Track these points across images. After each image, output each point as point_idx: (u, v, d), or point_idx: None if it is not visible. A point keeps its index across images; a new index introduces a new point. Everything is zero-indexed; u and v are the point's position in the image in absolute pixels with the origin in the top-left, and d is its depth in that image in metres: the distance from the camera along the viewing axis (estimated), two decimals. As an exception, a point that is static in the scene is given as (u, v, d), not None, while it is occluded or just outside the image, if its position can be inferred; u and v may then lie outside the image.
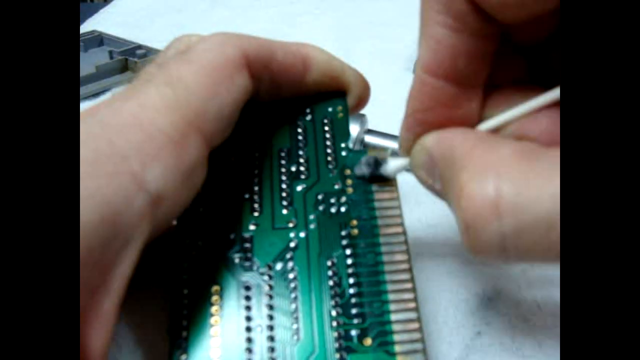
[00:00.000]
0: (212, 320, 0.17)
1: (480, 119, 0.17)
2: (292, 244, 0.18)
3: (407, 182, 0.20)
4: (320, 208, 0.19)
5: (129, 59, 0.40)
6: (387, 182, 0.19)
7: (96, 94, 0.38)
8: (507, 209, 0.13)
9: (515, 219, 0.13)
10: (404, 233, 0.18)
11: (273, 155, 0.20)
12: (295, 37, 0.21)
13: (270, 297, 0.17)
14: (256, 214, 0.19)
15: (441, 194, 0.16)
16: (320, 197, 0.19)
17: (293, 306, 0.17)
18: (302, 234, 0.18)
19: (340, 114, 0.21)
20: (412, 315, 0.17)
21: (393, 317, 0.17)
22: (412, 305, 0.17)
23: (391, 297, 0.17)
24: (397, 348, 0.16)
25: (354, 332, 0.17)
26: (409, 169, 0.18)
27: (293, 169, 0.20)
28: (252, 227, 0.19)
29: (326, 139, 0.21)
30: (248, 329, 0.17)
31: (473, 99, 0.17)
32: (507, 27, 0.16)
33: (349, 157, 0.20)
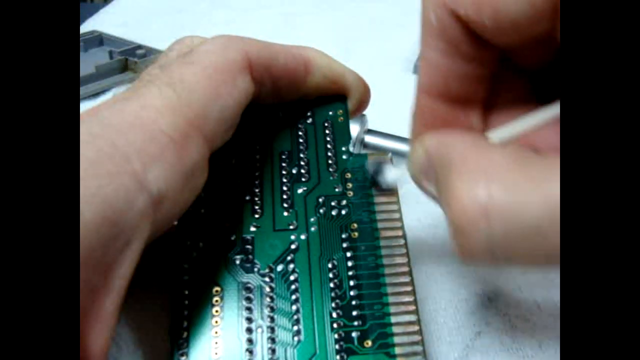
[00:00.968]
0: (213, 321, 0.17)
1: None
2: (293, 246, 0.18)
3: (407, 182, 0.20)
4: (321, 211, 0.19)
5: (129, 59, 0.40)
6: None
7: (96, 94, 0.38)
8: (497, 214, 0.13)
9: (505, 223, 0.13)
10: (404, 236, 0.18)
11: (274, 158, 0.20)
12: (295, 38, 0.21)
13: (271, 298, 0.17)
14: (257, 216, 0.19)
15: (437, 197, 0.16)
16: (321, 199, 0.19)
17: (294, 308, 0.17)
18: (302, 236, 0.18)
19: (341, 118, 0.21)
20: (412, 317, 0.17)
21: (393, 319, 0.17)
22: (412, 307, 0.17)
23: (391, 299, 0.17)
24: (398, 350, 0.16)
25: (354, 334, 0.17)
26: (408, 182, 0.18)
27: (294, 171, 0.20)
28: (253, 229, 0.19)
29: (327, 142, 0.21)
30: (249, 330, 0.17)
31: (472, 117, 0.17)
32: (506, 51, 0.16)
33: (350, 160, 0.20)
